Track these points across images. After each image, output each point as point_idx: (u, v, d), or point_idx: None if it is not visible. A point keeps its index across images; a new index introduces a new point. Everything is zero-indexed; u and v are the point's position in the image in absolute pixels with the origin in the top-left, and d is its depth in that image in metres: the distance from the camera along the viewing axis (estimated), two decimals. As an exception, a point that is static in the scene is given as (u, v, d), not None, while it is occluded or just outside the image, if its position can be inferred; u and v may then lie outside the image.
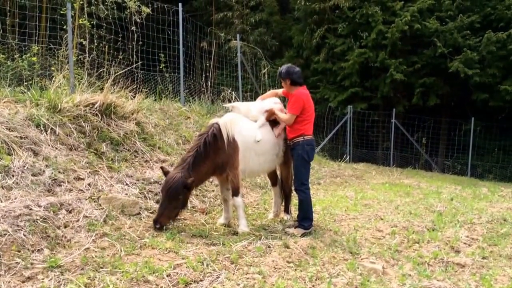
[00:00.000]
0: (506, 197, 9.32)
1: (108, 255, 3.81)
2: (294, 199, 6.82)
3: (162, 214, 4.61)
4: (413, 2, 16.33)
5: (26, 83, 7.09)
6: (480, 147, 17.14)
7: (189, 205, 5.74)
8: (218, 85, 12.54)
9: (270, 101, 5.56)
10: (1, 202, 4.07)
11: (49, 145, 5.26)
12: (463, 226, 5.96)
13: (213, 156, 4.89)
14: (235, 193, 5.07)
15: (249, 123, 5.32)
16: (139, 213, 5.02)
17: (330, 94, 17.38)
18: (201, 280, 3.50)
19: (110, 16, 9.54)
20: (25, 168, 4.66)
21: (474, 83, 15.48)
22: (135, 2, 9.97)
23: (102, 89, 6.70)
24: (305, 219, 5.15)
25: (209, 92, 11.35)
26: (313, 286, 3.61)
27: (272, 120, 5.50)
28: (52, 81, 6.48)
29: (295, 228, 5.15)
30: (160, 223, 4.58)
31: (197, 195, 6.28)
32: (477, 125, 16.73)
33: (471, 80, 15.35)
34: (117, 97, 6.50)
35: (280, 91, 5.59)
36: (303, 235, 5.01)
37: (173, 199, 4.60)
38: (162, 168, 4.92)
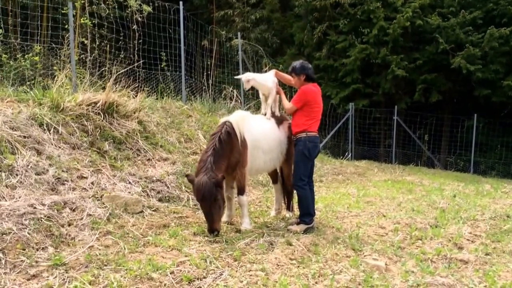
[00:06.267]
0: (509, 194, 9.31)
1: (112, 252, 3.83)
2: (296, 196, 6.84)
3: (213, 221, 4.45)
4: (415, -2, 16.28)
5: (28, 83, 7.11)
6: (482, 144, 17.10)
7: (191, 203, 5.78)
8: (220, 83, 12.54)
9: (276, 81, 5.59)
10: (6, 201, 4.09)
11: (52, 144, 5.28)
12: (466, 223, 5.95)
13: (228, 155, 4.80)
14: (241, 192, 5.06)
15: (258, 121, 5.34)
16: (142, 211, 5.04)
17: (332, 91, 17.37)
18: (204, 277, 3.51)
19: (112, 15, 9.55)
20: (29, 167, 4.69)
21: (477, 79, 15.43)
22: (136, 1, 9.97)
23: (104, 88, 6.71)
24: (306, 215, 5.16)
25: (210, 90, 11.35)
26: (316, 283, 3.62)
27: (279, 118, 5.55)
28: (55, 81, 6.49)
29: (297, 224, 5.16)
30: (216, 230, 4.45)
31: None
32: (480, 121, 16.67)
33: (474, 76, 15.29)
34: (119, 96, 6.51)
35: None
36: (306, 230, 5.03)
37: (214, 202, 4.43)
38: (187, 175, 4.73)
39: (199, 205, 4.60)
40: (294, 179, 5.26)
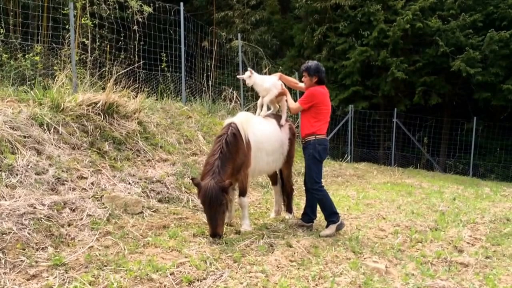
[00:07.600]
0: (508, 197, 9.32)
1: (111, 253, 3.82)
2: (296, 198, 6.84)
3: (217, 225, 4.43)
4: (415, 0, 16.30)
5: (29, 83, 7.09)
6: (482, 147, 17.13)
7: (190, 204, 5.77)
8: (220, 84, 12.55)
9: (281, 82, 5.57)
10: (6, 200, 4.08)
11: (52, 144, 5.27)
12: (466, 226, 5.96)
13: (234, 157, 4.77)
14: (243, 193, 5.05)
15: (261, 123, 5.34)
16: (141, 212, 5.03)
17: (331, 93, 17.22)
18: (204, 279, 3.51)
19: (112, 15, 9.55)
20: (29, 167, 4.68)
21: (476, 82, 15.47)
22: (137, 1, 9.97)
23: (104, 88, 6.70)
24: (332, 215, 5.14)
25: (210, 91, 11.35)
26: (316, 285, 3.62)
27: (280, 119, 5.55)
28: (55, 81, 6.48)
29: (326, 227, 5.16)
30: (219, 234, 4.43)
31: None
32: (479, 124, 16.70)
33: (473, 79, 15.33)
34: (119, 97, 6.50)
35: (301, 85, 5.55)
36: (337, 228, 5.09)
37: (219, 207, 4.42)
38: (193, 179, 4.68)
39: (204, 209, 4.56)
40: (309, 183, 5.20)
